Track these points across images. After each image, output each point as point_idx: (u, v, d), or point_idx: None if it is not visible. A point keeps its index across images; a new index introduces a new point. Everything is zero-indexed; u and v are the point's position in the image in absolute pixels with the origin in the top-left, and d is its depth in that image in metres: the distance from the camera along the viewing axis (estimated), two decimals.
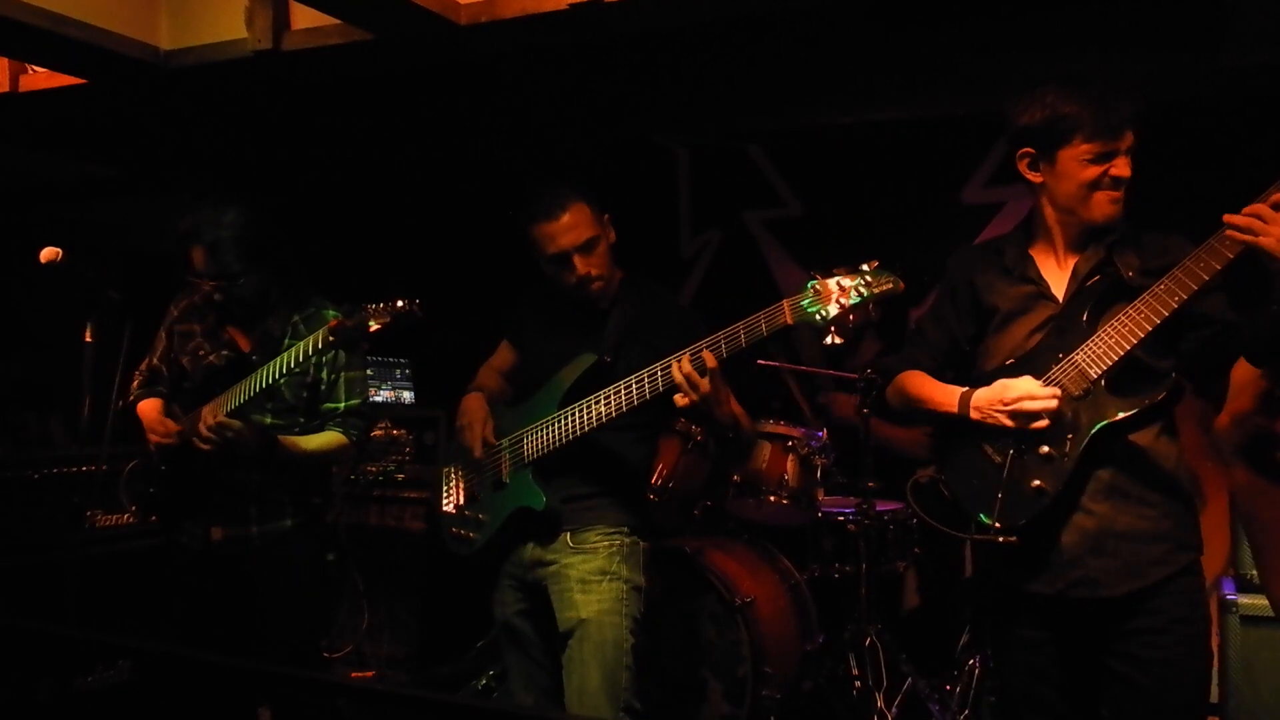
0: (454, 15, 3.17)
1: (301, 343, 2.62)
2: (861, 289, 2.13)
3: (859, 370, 3.92)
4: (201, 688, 2.81)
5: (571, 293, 2.64)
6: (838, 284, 2.14)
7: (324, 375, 2.90)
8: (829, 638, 3.75)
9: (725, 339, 2.28)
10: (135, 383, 3.05)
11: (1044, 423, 2.03)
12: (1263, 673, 3.00)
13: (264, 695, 2.91)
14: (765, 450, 3.85)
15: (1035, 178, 2.17)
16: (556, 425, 2.54)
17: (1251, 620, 3.02)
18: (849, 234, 5.06)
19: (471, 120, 4.95)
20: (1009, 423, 2.06)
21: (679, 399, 2.31)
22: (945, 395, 2.20)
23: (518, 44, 3.38)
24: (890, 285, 2.15)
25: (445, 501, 2.79)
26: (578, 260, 2.58)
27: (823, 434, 3.92)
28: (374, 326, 2.50)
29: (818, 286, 2.15)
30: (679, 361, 2.30)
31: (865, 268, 2.16)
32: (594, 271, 2.59)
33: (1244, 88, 4.06)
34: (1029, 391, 2.04)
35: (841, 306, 2.12)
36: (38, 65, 3.78)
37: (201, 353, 2.94)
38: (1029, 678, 2.16)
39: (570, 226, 2.57)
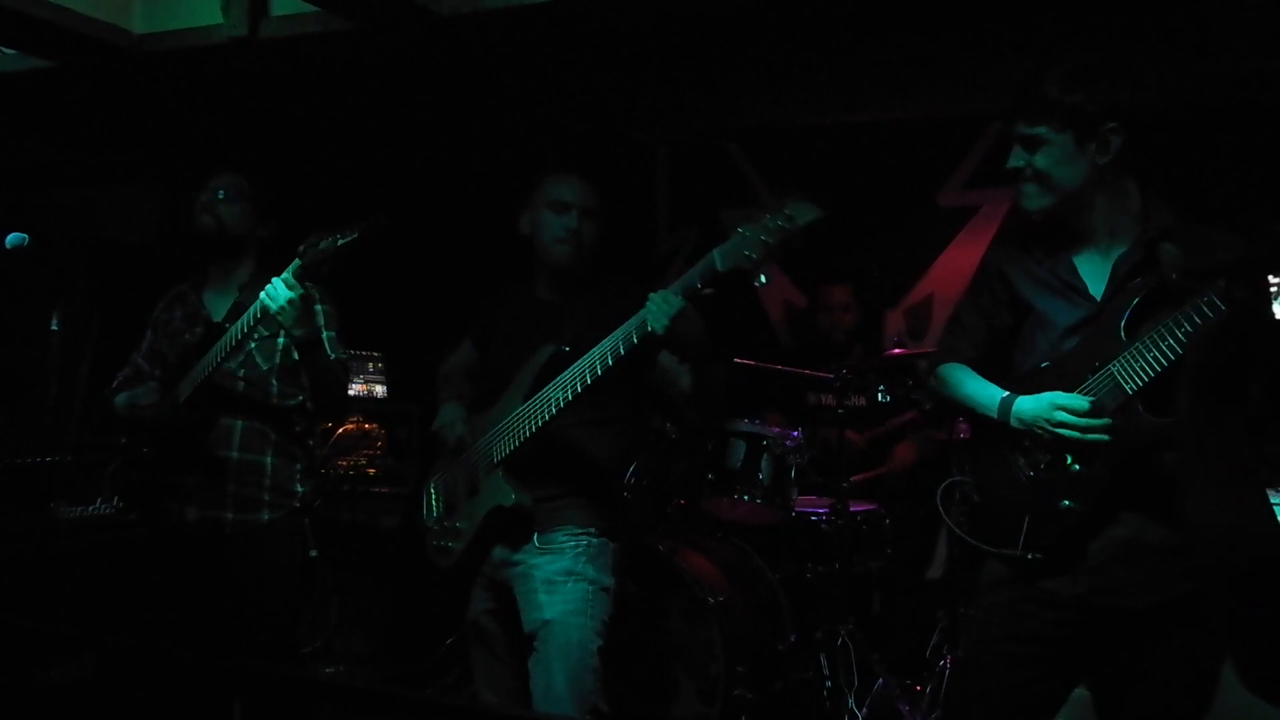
0: (435, 6, 3.14)
1: (274, 279, 2.61)
2: (782, 222, 2.18)
3: (836, 372, 3.93)
4: (172, 682, 2.78)
5: (548, 245, 2.68)
6: (762, 226, 2.19)
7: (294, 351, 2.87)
8: (801, 637, 3.75)
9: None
10: (114, 384, 3.01)
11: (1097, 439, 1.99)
12: (1231, 676, 3.03)
13: (238, 691, 2.87)
14: (740, 449, 3.85)
15: None
16: (520, 421, 2.53)
17: None
18: (824, 234, 5.05)
19: (450, 114, 4.91)
20: (1056, 433, 2.01)
21: (652, 320, 2.26)
22: (986, 397, 2.15)
23: (499, 36, 3.35)
24: (810, 215, 2.19)
25: (426, 518, 2.76)
26: (575, 215, 2.66)
27: (797, 434, 3.92)
28: (342, 242, 2.55)
29: (743, 231, 2.21)
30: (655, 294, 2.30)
31: (785, 206, 2.20)
32: (584, 236, 2.67)
33: (1225, 93, 4.10)
34: (1076, 419, 1.99)
35: (766, 245, 2.18)
36: (6, 47, 3.70)
37: (180, 335, 2.94)
38: (1010, 641, 2.09)
39: (588, 191, 2.69)
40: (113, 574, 3.55)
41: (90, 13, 3.38)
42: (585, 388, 2.40)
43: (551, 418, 2.46)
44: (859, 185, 4.96)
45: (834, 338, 4.54)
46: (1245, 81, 3.89)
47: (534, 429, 2.49)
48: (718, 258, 2.24)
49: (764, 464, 3.81)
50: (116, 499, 3.56)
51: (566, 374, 2.44)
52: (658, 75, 4.33)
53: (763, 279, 2.21)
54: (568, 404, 2.43)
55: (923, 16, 3.62)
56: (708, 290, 2.27)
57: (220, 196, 2.89)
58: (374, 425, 4.58)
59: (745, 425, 3.89)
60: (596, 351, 2.38)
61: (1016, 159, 2.12)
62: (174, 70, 3.73)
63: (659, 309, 2.27)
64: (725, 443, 3.88)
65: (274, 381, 2.89)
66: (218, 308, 2.95)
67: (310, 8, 3.21)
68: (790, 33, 3.80)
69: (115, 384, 3.02)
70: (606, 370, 2.37)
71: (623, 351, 2.33)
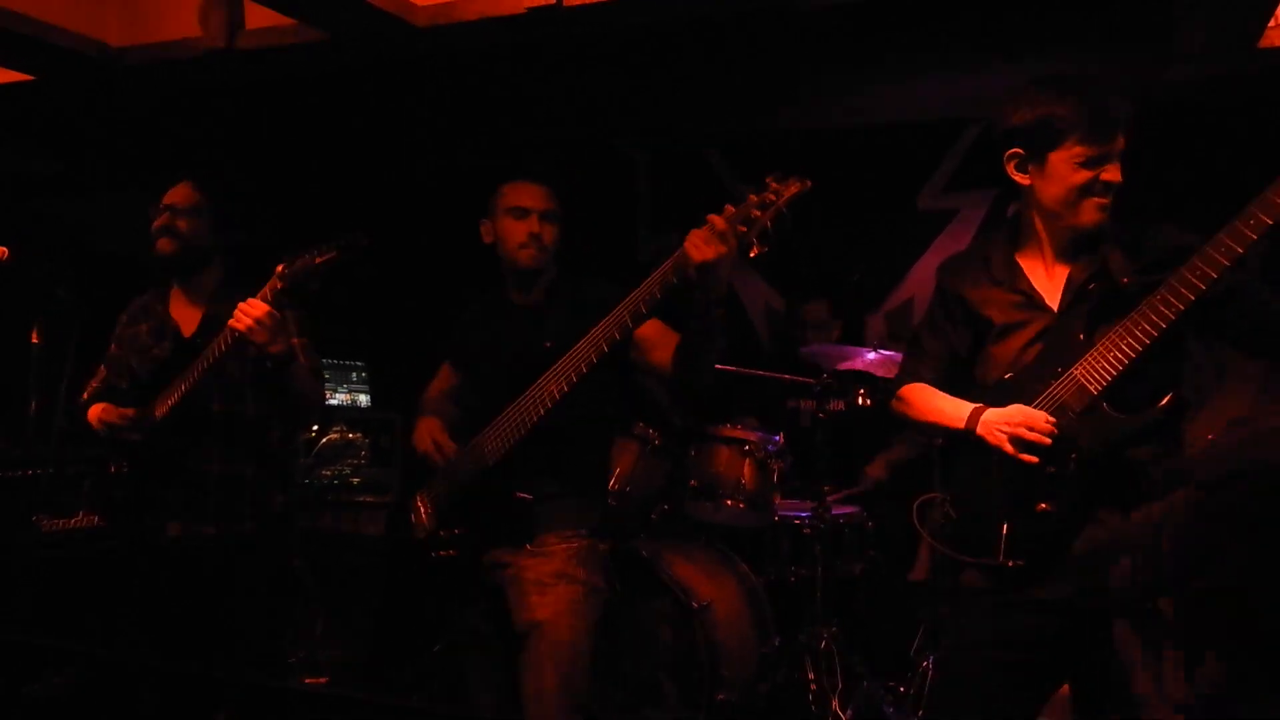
0: (411, 17, 3.16)
1: (247, 301, 2.60)
2: (770, 198, 2.22)
3: (816, 376, 3.95)
4: (156, 694, 2.77)
5: (512, 251, 2.72)
6: (750, 202, 2.23)
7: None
8: (785, 640, 3.77)
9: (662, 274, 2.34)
10: (85, 394, 3.00)
11: (1033, 459, 2.01)
12: None
13: (223, 703, 2.87)
14: (722, 454, 3.87)
15: (1023, 180, 2.11)
16: (511, 418, 2.54)
17: None
18: (805, 239, 5.08)
19: (429, 122, 4.92)
20: (1009, 448, 2.03)
21: (694, 251, 2.22)
22: (954, 411, 2.16)
23: (476, 47, 3.37)
24: (797, 187, 2.22)
25: (418, 530, 2.75)
26: (535, 220, 2.71)
27: (779, 438, 3.94)
28: (320, 260, 2.55)
29: (734, 209, 2.25)
30: (693, 233, 2.27)
31: (769, 181, 2.24)
32: (545, 239, 2.71)
33: (1192, 97, 4.14)
34: (1029, 420, 2.01)
35: (756, 221, 2.21)
36: None
37: (148, 350, 2.92)
38: (993, 647, 2.08)
39: (544, 195, 2.74)
40: (96, 587, 3.53)
41: (69, 25, 3.39)
42: (580, 376, 2.41)
43: (549, 410, 2.47)
44: (838, 190, 4.99)
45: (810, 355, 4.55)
46: (1211, 86, 3.94)
47: (531, 424, 2.50)
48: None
49: (746, 469, 3.83)
50: (95, 517, 3.55)
51: (558, 364, 2.45)
52: (635, 82, 4.35)
53: (756, 252, 2.23)
54: (564, 395, 2.44)
55: (901, 22, 3.65)
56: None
57: (176, 214, 2.86)
58: (357, 435, 4.59)
59: (727, 430, 3.91)
60: (588, 340, 2.40)
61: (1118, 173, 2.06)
62: (153, 81, 3.74)
63: (703, 239, 2.22)
64: (708, 447, 3.90)
65: (250, 392, 2.89)
66: (186, 320, 2.94)
67: (287, 19, 3.23)
68: (769, 38, 3.83)
69: (86, 396, 3.00)
70: (601, 356, 2.38)
71: (659, 295, 2.32)
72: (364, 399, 5.26)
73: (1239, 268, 1.88)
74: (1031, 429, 2.00)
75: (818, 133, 5.05)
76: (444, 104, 4.59)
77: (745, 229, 2.22)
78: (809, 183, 2.23)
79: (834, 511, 3.90)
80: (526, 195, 2.73)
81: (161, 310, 2.97)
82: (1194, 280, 1.89)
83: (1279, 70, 3.50)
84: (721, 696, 3.39)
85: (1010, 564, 2.04)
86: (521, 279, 2.77)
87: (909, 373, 2.33)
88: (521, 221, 2.71)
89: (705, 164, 5.40)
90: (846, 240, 4.98)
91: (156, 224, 2.88)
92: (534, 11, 3.02)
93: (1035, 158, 2.08)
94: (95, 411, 2.89)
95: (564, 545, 2.61)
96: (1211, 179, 4.03)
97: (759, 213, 2.22)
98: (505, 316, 2.78)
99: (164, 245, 2.87)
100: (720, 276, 2.27)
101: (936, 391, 2.24)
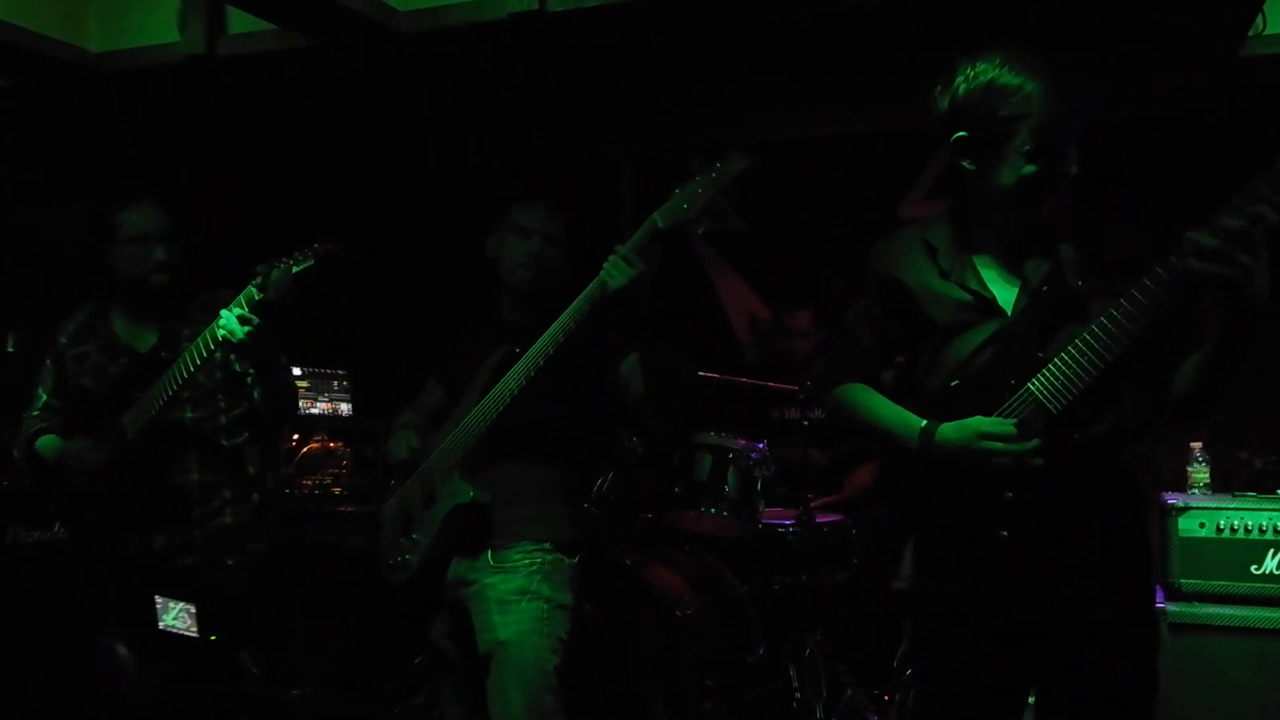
0: (393, 23, 3.15)
1: (225, 310, 2.57)
2: (714, 175, 2.32)
3: (801, 385, 3.94)
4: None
5: (510, 269, 2.76)
6: (696, 179, 2.34)
7: (236, 364, 2.84)
8: (769, 649, 3.76)
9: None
10: (30, 427, 2.92)
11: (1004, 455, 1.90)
12: (1191, 680, 3.07)
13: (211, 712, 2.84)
14: (705, 462, 3.86)
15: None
16: (477, 417, 2.55)
17: (1179, 629, 3.10)
18: (789, 247, 5.09)
19: (411, 129, 4.91)
20: (975, 464, 1.91)
21: (609, 279, 2.37)
22: (902, 426, 2.02)
23: (458, 53, 3.36)
24: (740, 162, 2.32)
25: (382, 539, 2.75)
26: (538, 241, 2.73)
27: (763, 445, 3.93)
28: (297, 269, 2.55)
29: (678, 190, 2.35)
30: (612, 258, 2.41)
31: (716, 160, 2.34)
32: (545, 261, 2.73)
33: (1174, 106, 4.17)
34: (1006, 447, 1.89)
35: (702, 198, 2.32)
36: None
37: (103, 369, 2.86)
38: (966, 669, 2.01)
39: (552, 220, 2.78)
40: (74, 601, 3.49)
41: (46, 31, 3.36)
42: (542, 366, 2.45)
43: (508, 406, 2.49)
44: (821, 198, 4.99)
45: (793, 361, 4.56)
46: (1196, 94, 3.97)
47: (494, 416, 2.51)
48: (658, 218, 2.37)
49: (730, 476, 3.81)
50: (61, 531, 3.49)
51: (523, 360, 2.48)
52: (620, 91, 4.35)
53: (705, 228, 2.34)
54: (527, 383, 2.46)
55: (882, 31, 3.66)
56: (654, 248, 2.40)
57: (164, 242, 2.80)
58: (339, 444, 4.55)
59: (711, 438, 3.90)
60: (557, 324, 2.43)
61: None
62: (131, 88, 3.71)
63: (614, 267, 2.38)
64: (691, 456, 3.88)
65: (220, 396, 2.86)
66: (135, 335, 2.87)
67: (268, 25, 3.21)
68: (752, 49, 3.84)
69: (35, 429, 2.89)
70: (567, 340, 2.42)
71: (585, 311, 2.41)
72: (345, 408, 5.21)
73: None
74: (1001, 441, 1.89)
75: (800, 141, 5.05)
76: (426, 110, 4.58)
77: (686, 208, 2.32)
78: (750, 160, 2.32)
79: (818, 520, 3.90)
80: (535, 215, 2.75)
81: (104, 328, 2.89)
82: (1159, 294, 1.76)
83: (1261, 78, 3.53)
84: (706, 705, 3.37)
85: (969, 587, 1.98)
86: (516, 299, 2.78)
87: (841, 368, 2.21)
88: (524, 241, 2.73)
89: (689, 172, 5.39)
90: (828, 249, 4.98)
91: (156, 258, 2.79)
92: (515, 18, 3.01)
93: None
94: (50, 449, 2.83)
95: (528, 561, 2.58)
96: (1194, 187, 4.05)
97: (702, 190, 2.31)
98: (494, 331, 2.77)
99: (162, 280, 2.81)
100: (633, 294, 2.38)
101: (879, 396, 2.13)
